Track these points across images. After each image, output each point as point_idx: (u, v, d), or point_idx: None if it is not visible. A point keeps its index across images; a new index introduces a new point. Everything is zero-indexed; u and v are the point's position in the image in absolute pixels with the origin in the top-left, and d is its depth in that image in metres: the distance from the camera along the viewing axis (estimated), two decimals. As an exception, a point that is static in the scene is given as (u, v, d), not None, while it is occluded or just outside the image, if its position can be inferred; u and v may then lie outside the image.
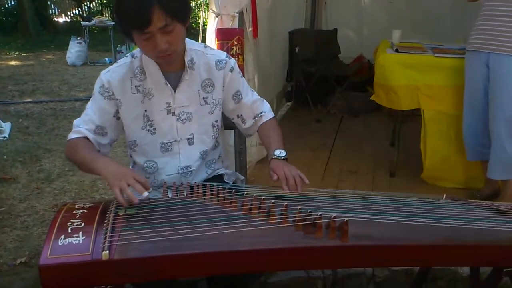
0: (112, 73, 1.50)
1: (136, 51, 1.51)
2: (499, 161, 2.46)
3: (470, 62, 2.52)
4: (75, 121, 1.51)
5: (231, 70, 1.57)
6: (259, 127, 1.65)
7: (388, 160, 3.22)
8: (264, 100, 1.70)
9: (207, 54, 1.55)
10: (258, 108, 1.65)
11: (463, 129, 2.64)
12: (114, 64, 1.54)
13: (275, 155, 1.49)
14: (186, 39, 1.49)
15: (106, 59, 8.01)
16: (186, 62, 1.49)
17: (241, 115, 1.65)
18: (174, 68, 1.49)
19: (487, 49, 2.37)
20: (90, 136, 1.47)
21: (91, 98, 1.53)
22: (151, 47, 1.36)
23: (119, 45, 8.08)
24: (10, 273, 2.13)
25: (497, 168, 2.48)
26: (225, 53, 1.62)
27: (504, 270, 1.42)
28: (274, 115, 1.69)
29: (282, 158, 1.48)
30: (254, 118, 1.65)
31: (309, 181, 1.41)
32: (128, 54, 1.54)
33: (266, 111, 1.67)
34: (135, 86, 1.50)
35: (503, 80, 2.34)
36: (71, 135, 1.48)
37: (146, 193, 1.25)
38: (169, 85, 1.49)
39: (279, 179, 1.41)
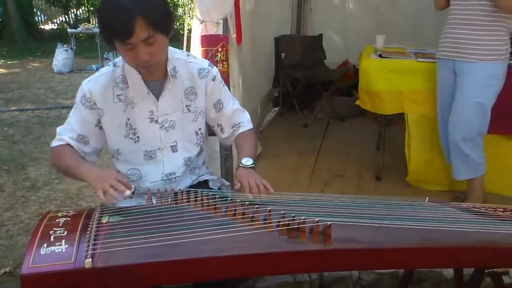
0: (94, 83, 1.50)
1: (118, 59, 1.51)
2: (460, 161, 2.51)
3: (440, 69, 2.59)
4: (58, 129, 1.52)
5: (213, 79, 1.58)
6: (236, 137, 1.65)
7: (374, 164, 3.24)
8: (245, 111, 1.71)
9: (189, 62, 1.56)
10: (238, 118, 1.66)
11: (439, 133, 2.69)
12: (96, 73, 1.54)
13: (241, 163, 1.49)
14: (169, 47, 1.49)
15: (93, 66, 7.95)
16: (168, 71, 1.49)
17: (221, 124, 1.66)
18: (156, 77, 1.50)
19: (452, 57, 2.43)
20: (73, 143, 1.49)
21: (74, 106, 1.53)
22: (133, 58, 1.36)
23: (106, 52, 8.03)
24: (-5, 283, 2.11)
25: (460, 168, 2.53)
26: (208, 61, 1.63)
27: (486, 271, 1.45)
28: (252, 127, 1.70)
29: (248, 166, 1.48)
30: (232, 127, 1.66)
31: (274, 189, 1.41)
32: (110, 63, 1.54)
33: (245, 122, 1.67)
34: (117, 95, 1.50)
35: (465, 87, 2.41)
36: (54, 143, 1.50)
37: (128, 192, 1.30)
38: (151, 94, 1.50)
39: (242, 189, 1.41)
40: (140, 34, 1.29)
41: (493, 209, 1.44)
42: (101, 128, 1.53)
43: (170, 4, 12.18)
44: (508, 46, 2.33)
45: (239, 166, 1.50)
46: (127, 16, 1.26)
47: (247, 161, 1.50)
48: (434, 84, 2.75)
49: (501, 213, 1.42)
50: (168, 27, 1.38)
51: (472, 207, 1.46)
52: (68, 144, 1.48)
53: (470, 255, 1.25)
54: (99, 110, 1.50)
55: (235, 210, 1.27)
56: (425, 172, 2.88)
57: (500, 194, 2.79)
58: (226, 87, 1.66)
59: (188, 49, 2.51)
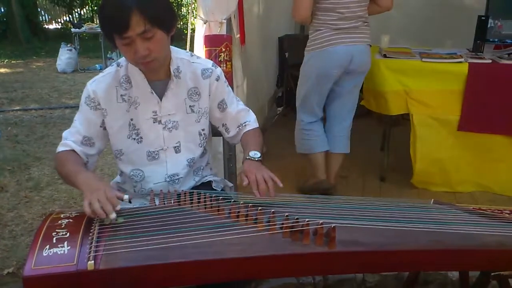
0: (98, 83, 1.50)
1: (122, 60, 1.51)
2: None
3: None
4: (64, 133, 1.52)
5: (217, 79, 1.58)
6: (242, 135, 1.65)
7: (378, 165, 3.23)
8: (250, 111, 1.70)
9: (193, 62, 1.56)
10: (243, 117, 1.66)
11: None
12: (100, 73, 1.54)
13: (249, 155, 1.48)
14: (172, 47, 1.49)
15: (97, 65, 7.99)
16: (172, 71, 1.49)
17: (226, 124, 1.65)
18: (159, 77, 1.49)
19: None
20: (77, 148, 1.48)
21: (79, 109, 1.53)
22: (132, 53, 1.35)
23: (109, 52, 8.05)
24: (-2, 284, 2.11)
25: None
26: (212, 61, 1.62)
27: (492, 274, 1.43)
28: (258, 126, 1.69)
29: (256, 159, 1.47)
30: (238, 127, 1.65)
31: (282, 184, 1.40)
32: (113, 63, 1.54)
33: (251, 121, 1.67)
34: (121, 95, 1.50)
35: None
36: (59, 148, 1.49)
37: (126, 196, 1.28)
38: (155, 94, 1.49)
39: (250, 184, 1.40)
40: (136, 27, 1.29)
41: (499, 211, 1.43)
42: (105, 128, 1.53)
43: (174, 4, 12.21)
44: (313, 39, 2.55)
45: (246, 158, 1.48)
46: (124, 9, 1.28)
47: (255, 154, 1.48)
48: (439, 84, 2.74)
49: (507, 215, 1.40)
50: (168, 24, 1.38)
51: (478, 209, 1.45)
52: (72, 150, 1.47)
53: (476, 257, 1.23)
54: (103, 110, 1.50)
55: (239, 212, 1.26)
56: (431, 173, 2.87)
57: (507, 195, 2.77)
58: (229, 88, 1.65)
59: (191, 49, 2.50)
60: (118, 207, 1.23)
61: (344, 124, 2.77)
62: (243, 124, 1.65)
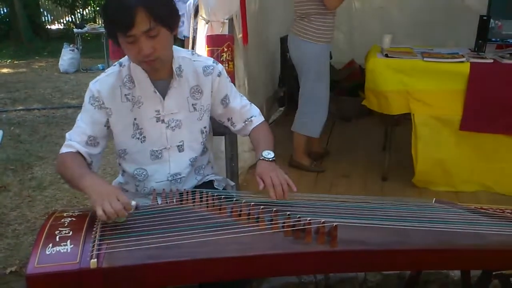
0: (101, 83, 1.50)
1: (124, 59, 1.51)
2: None
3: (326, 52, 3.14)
4: (67, 134, 1.50)
5: (219, 75, 1.58)
6: (251, 131, 1.65)
7: (380, 164, 3.22)
8: (253, 104, 1.71)
9: (194, 61, 1.56)
10: (248, 112, 1.66)
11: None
12: (102, 73, 1.53)
13: (262, 155, 1.48)
14: (174, 46, 1.50)
15: (99, 65, 7.99)
16: (174, 70, 1.49)
17: (231, 118, 1.65)
18: (162, 76, 1.49)
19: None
20: (82, 149, 1.46)
21: (82, 109, 1.52)
22: (135, 52, 1.35)
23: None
24: (1, 283, 2.11)
25: None
26: (212, 59, 1.63)
27: (494, 273, 1.43)
28: (264, 119, 1.70)
29: (270, 159, 1.47)
30: (244, 122, 1.65)
31: (296, 188, 1.40)
32: (116, 63, 1.54)
33: (256, 115, 1.67)
34: (125, 94, 1.50)
35: None
36: (63, 149, 1.46)
37: (133, 202, 1.26)
38: (158, 93, 1.50)
39: (266, 187, 1.39)
40: (141, 25, 1.29)
41: (501, 211, 1.43)
42: (109, 127, 1.53)
43: (176, 4, 12.20)
44: None
45: (260, 159, 1.48)
46: (129, 7, 1.28)
47: (268, 154, 1.48)
48: (441, 84, 2.74)
49: (509, 214, 1.40)
50: (172, 23, 1.38)
51: (480, 208, 1.45)
52: (76, 152, 1.45)
53: (479, 256, 1.23)
54: (107, 110, 1.50)
55: (240, 211, 1.26)
56: (432, 173, 2.86)
57: (509, 195, 2.77)
58: (231, 83, 1.66)
59: (193, 49, 2.51)
60: (131, 209, 1.23)
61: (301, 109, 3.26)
62: (249, 119, 1.65)
